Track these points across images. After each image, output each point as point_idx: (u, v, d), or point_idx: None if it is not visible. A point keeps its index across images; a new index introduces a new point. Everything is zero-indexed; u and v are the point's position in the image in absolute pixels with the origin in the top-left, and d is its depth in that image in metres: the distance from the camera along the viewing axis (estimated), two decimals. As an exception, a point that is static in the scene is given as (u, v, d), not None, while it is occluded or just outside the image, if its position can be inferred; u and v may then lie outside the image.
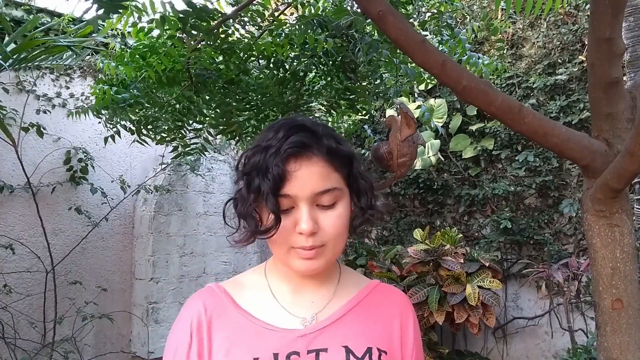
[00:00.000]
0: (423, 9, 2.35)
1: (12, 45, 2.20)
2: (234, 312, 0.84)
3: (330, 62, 2.19)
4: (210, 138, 2.56)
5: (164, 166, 4.03)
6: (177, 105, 2.20)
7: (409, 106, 4.05)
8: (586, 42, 3.52)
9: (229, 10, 2.04)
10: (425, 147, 4.08)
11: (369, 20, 1.87)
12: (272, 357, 0.79)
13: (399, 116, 1.71)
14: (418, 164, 4.10)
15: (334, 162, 0.80)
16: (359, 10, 1.91)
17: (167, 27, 1.86)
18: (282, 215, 0.78)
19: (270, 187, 0.76)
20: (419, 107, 3.98)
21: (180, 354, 0.82)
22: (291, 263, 0.82)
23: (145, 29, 1.96)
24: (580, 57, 3.72)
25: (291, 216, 0.79)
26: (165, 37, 1.92)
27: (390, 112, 3.78)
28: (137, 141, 2.34)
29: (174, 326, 0.86)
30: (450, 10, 2.41)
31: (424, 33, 2.36)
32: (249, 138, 2.46)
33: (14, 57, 2.17)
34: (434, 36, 2.33)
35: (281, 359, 0.79)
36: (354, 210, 0.86)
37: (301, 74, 2.24)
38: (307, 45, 2.01)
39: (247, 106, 2.33)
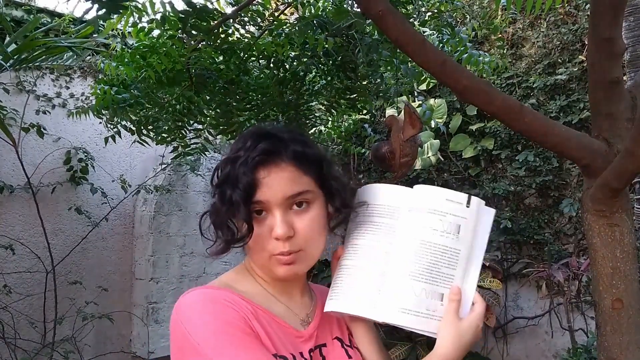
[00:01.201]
0: (423, 9, 2.34)
1: (13, 46, 2.20)
2: (255, 307, 0.82)
3: (331, 62, 2.19)
4: (210, 138, 2.56)
5: (164, 166, 4.03)
6: (178, 106, 2.20)
7: (409, 106, 4.05)
8: (586, 42, 3.52)
9: (229, 10, 2.04)
10: (422, 148, 4.08)
11: (369, 20, 1.88)
12: (299, 355, 0.82)
13: (402, 115, 1.70)
14: (418, 164, 4.10)
15: (302, 166, 0.82)
16: (358, 10, 1.91)
17: (167, 27, 1.86)
18: (257, 223, 0.80)
19: (242, 197, 0.78)
20: (419, 106, 3.98)
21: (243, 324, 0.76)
22: (273, 270, 0.83)
23: (146, 29, 1.96)
24: (580, 56, 3.72)
25: (266, 223, 0.81)
26: (165, 37, 1.92)
27: (390, 111, 3.78)
28: (138, 141, 2.34)
29: (207, 310, 0.77)
30: (450, 9, 2.41)
31: (424, 31, 2.36)
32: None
33: (15, 57, 2.17)
34: (435, 33, 2.33)
35: (306, 356, 0.83)
36: (331, 211, 0.88)
37: (301, 73, 2.24)
38: (307, 45, 2.01)
39: (248, 106, 2.33)
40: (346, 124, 3.27)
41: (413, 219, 0.85)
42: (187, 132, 2.46)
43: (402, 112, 1.70)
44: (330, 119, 2.92)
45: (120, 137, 2.39)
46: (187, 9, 1.73)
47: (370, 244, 0.86)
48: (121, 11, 1.63)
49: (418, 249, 0.83)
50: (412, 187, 0.88)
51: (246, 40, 2.04)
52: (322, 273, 4.10)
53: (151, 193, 3.88)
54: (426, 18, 2.27)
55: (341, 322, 0.95)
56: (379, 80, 2.35)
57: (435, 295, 0.82)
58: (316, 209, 0.83)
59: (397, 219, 0.86)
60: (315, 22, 1.94)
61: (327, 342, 0.89)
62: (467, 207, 0.86)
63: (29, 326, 3.37)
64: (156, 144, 2.49)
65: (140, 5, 1.92)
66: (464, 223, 0.85)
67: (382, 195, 0.89)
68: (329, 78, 2.31)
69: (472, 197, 0.87)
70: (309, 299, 0.94)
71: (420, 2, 2.24)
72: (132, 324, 3.95)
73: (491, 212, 0.89)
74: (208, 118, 2.40)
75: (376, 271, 0.84)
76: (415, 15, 2.24)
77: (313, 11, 2.16)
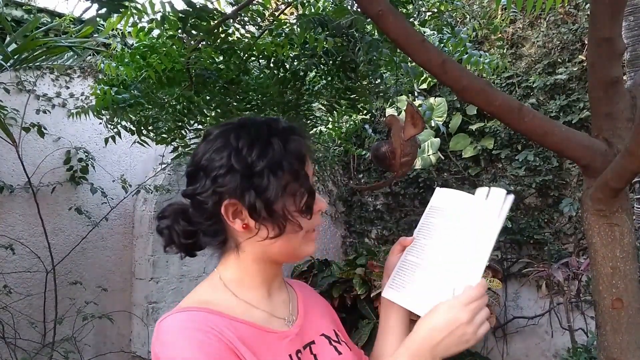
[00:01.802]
0: (423, 9, 2.34)
1: (13, 46, 2.21)
2: (236, 323, 0.79)
3: (331, 62, 2.19)
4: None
5: (164, 166, 4.03)
6: (178, 106, 2.20)
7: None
8: (586, 42, 3.52)
9: (228, 10, 2.04)
10: (421, 147, 4.08)
11: (369, 19, 1.87)
12: (289, 359, 0.81)
13: (403, 114, 1.70)
14: (418, 164, 4.10)
15: None
16: (358, 9, 1.91)
17: (167, 27, 1.86)
18: None
19: (300, 166, 0.79)
20: (419, 106, 3.98)
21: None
22: (304, 248, 0.84)
23: (146, 29, 1.96)
24: (580, 56, 3.72)
25: None
26: (165, 37, 1.92)
27: (390, 111, 3.78)
28: (138, 142, 2.34)
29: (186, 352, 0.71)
30: (450, 9, 2.41)
31: (424, 31, 2.36)
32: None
33: (15, 57, 2.17)
34: (435, 32, 2.33)
35: (294, 359, 0.82)
36: None
37: (301, 73, 2.23)
38: (307, 45, 2.01)
39: (248, 106, 2.33)
40: (347, 125, 3.27)
41: (481, 226, 0.90)
42: (187, 132, 2.46)
43: (403, 111, 1.70)
44: (330, 119, 2.92)
45: (120, 137, 2.39)
46: (187, 8, 1.73)
47: (435, 247, 0.91)
48: (121, 11, 1.63)
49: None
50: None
51: (246, 40, 2.04)
52: (321, 273, 4.10)
53: (151, 193, 3.88)
54: (426, 18, 2.26)
55: (324, 318, 0.94)
56: (378, 80, 2.34)
57: None
58: None
59: (465, 225, 0.90)
60: (315, 21, 1.94)
61: (315, 340, 0.88)
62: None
63: (29, 326, 3.37)
64: (156, 144, 2.49)
65: (140, 6, 1.92)
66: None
67: (454, 201, 0.94)
68: (329, 78, 2.31)
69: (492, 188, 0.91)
70: (286, 296, 0.92)
71: (420, 2, 2.24)
72: (132, 323, 3.95)
73: (503, 196, 0.92)
74: (208, 118, 2.40)
75: (438, 275, 0.87)
76: (415, 15, 2.23)
77: (313, 10, 2.16)
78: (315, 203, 0.82)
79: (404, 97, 2.81)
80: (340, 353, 0.88)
